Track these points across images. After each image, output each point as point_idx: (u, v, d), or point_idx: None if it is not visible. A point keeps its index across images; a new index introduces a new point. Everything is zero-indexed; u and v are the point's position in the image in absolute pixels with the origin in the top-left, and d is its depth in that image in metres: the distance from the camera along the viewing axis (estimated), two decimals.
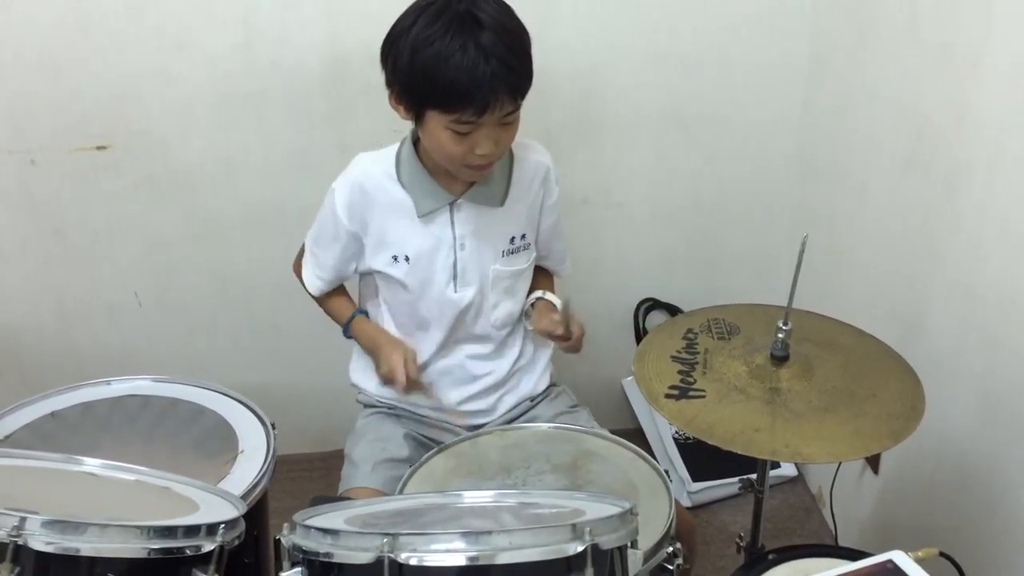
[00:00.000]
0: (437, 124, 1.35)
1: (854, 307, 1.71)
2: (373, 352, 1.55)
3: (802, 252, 1.26)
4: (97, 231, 1.99)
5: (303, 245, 1.62)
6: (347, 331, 1.59)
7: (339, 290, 1.63)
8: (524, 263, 1.56)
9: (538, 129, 1.91)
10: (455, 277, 1.50)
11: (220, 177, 1.97)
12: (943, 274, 1.58)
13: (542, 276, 1.66)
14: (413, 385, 1.48)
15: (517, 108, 1.36)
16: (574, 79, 1.97)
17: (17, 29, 1.80)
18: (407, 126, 1.48)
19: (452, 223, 1.48)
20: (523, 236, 1.54)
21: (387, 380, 1.50)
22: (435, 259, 1.49)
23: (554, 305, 1.59)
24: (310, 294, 1.62)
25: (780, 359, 1.32)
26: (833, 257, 1.94)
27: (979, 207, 1.47)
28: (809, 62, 2.00)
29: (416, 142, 1.47)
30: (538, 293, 1.60)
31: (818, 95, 2.00)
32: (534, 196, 1.54)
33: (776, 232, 2.16)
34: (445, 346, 1.55)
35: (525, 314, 1.60)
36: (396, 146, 1.50)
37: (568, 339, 1.51)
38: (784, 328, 1.31)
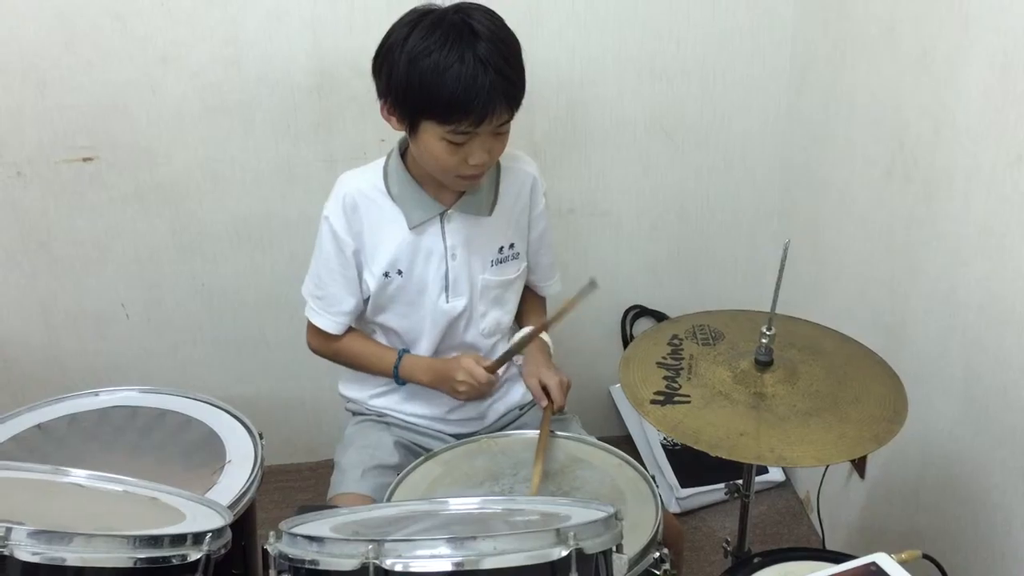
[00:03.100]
0: (432, 135, 1.36)
1: (837, 312, 1.73)
2: (439, 381, 1.50)
3: (784, 258, 1.27)
4: (84, 243, 1.99)
5: (308, 322, 1.55)
6: (398, 374, 1.52)
7: (360, 336, 1.57)
8: (513, 273, 1.56)
9: (525, 140, 1.93)
10: (447, 288, 1.50)
11: (206, 189, 1.98)
12: (925, 279, 1.60)
13: (533, 304, 1.65)
14: (493, 370, 1.47)
15: (511, 117, 1.38)
16: (560, 91, 1.99)
17: (3, 41, 1.80)
18: (393, 137, 1.49)
19: (443, 233, 1.48)
20: (511, 246, 1.55)
21: (471, 393, 1.47)
22: (427, 270, 1.49)
23: (547, 347, 1.58)
24: (342, 361, 1.58)
25: (764, 364, 1.33)
26: (816, 263, 1.96)
27: (959, 213, 1.48)
28: (791, 72, 2.02)
29: (403, 154, 1.48)
30: (529, 329, 1.58)
31: (800, 105, 2.02)
32: (522, 206, 1.55)
33: (760, 239, 2.18)
34: (435, 355, 1.55)
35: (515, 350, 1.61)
36: (381, 160, 1.50)
37: (551, 404, 1.50)
38: (768, 333, 1.32)
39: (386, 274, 1.49)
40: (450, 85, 1.30)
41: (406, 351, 1.54)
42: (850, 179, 1.82)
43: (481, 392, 1.48)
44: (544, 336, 1.59)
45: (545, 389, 1.52)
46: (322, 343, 1.57)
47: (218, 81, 1.89)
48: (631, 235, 2.17)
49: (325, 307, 1.52)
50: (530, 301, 1.66)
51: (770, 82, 2.04)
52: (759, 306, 1.46)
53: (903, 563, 1.06)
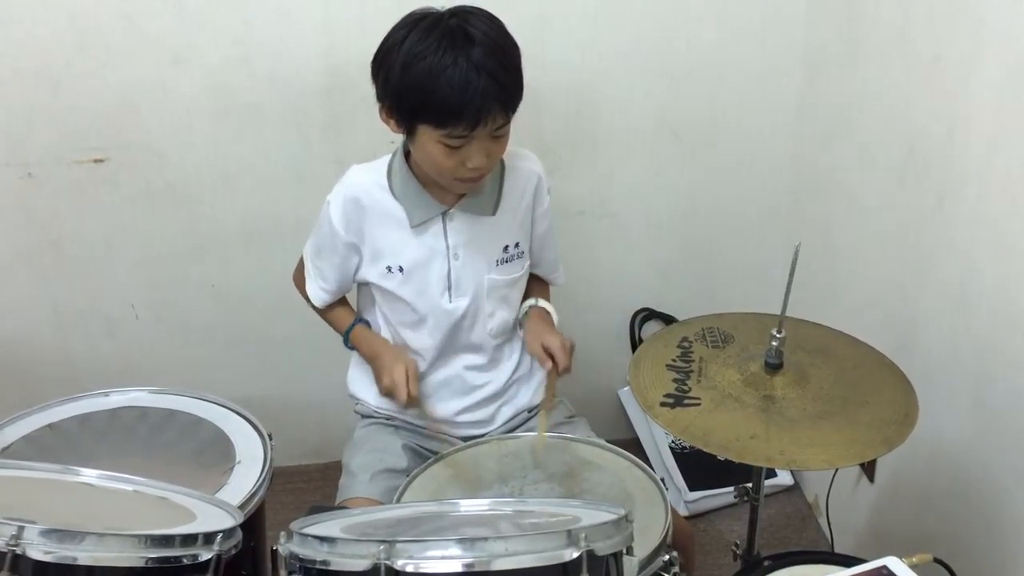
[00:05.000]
0: (428, 138, 1.36)
1: (848, 315, 1.72)
2: (374, 361, 1.55)
3: (795, 260, 1.27)
4: (94, 243, 2.00)
5: (301, 257, 1.62)
6: (347, 340, 1.59)
7: (340, 300, 1.62)
8: (518, 272, 1.57)
9: (534, 142, 1.92)
10: (449, 288, 1.51)
11: (217, 189, 1.98)
12: (936, 283, 1.59)
13: (536, 283, 1.67)
14: (412, 401, 1.49)
15: (508, 121, 1.37)
16: (568, 92, 1.98)
17: (16, 42, 1.81)
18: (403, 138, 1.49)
19: (445, 233, 1.49)
20: (516, 244, 1.55)
21: (387, 393, 1.50)
22: (429, 269, 1.49)
23: (548, 314, 1.59)
24: (312, 306, 1.62)
25: (774, 367, 1.33)
26: (827, 266, 1.95)
27: (971, 217, 1.48)
28: (802, 73, 2.02)
29: (407, 153, 1.48)
30: (531, 301, 1.60)
31: (811, 106, 2.02)
32: (526, 204, 1.55)
33: (770, 241, 2.18)
34: (441, 356, 1.56)
35: (519, 323, 1.61)
36: (388, 157, 1.51)
37: (558, 367, 1.50)
38: (778, 336, 1.32)
39: (388, 269, 1.50)
40: (443, 89, 1.30)
41: (365, 321, 1.58)
42: (861, 181, 1.82)
43: (394, 397, 1.50)
44: (547, 305, 1.60)
45: (549, 352, 1.50)
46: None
47: (229, 82, 1.89)
48: (640, 237, 2.17)
49: (317, 275, 1.57)
50: (534, 284, 1.65)
51: (780, 83, 2.04)
52: (768, 308, 1.46)
53: (914, 567, 1.05)
